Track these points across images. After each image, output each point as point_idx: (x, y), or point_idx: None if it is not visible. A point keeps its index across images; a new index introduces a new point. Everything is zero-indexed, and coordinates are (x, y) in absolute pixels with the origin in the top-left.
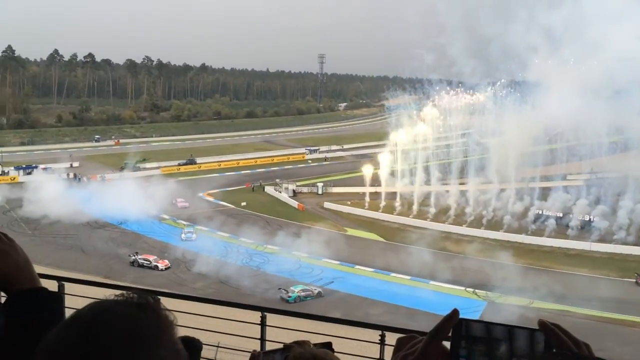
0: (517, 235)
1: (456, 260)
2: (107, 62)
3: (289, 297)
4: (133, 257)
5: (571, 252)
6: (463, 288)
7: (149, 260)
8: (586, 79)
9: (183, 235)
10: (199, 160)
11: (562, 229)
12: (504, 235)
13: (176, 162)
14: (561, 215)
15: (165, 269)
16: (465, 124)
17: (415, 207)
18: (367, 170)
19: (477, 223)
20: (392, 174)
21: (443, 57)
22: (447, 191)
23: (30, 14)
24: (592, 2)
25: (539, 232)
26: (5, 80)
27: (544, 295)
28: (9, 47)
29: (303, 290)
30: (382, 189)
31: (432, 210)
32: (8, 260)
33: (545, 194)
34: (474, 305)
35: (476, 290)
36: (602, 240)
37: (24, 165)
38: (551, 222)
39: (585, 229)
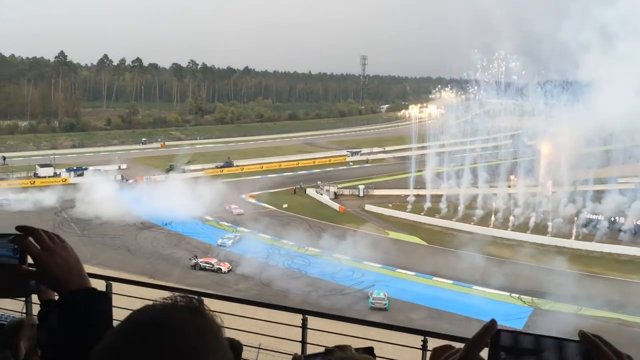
0: (566, 239)
1: (499, 265)
2: (154, 66)
3: (384, 305)
4: (194, 261)
5: (623, 258)
6: (508, 294)
7: (211, 263)
8: None
9: (219, 241)
10: (241, 162)
11: (614, 233)
12: (551, 239)
13: (221, 163)
14: (613, 219)
15: (228, 271)
16: (514, 125)
17: (459, 210)
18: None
19: (524, 227)
20: (438, 175)
21: (490, 56)
22: (495, 194)
23: (81, 20)
24: None
25: (589, 237)
26: (57, 85)
27: (592, 303)
28: (61, 52)
29: (384, 294)
30: (426, 192)
31: (478, 213)
32: (60, 261)
33: (598, 197)
34: (519, 312)
35: (522, 296)
36: None
37: (74, 167)
38: (602, 227)
39: (638, 234)
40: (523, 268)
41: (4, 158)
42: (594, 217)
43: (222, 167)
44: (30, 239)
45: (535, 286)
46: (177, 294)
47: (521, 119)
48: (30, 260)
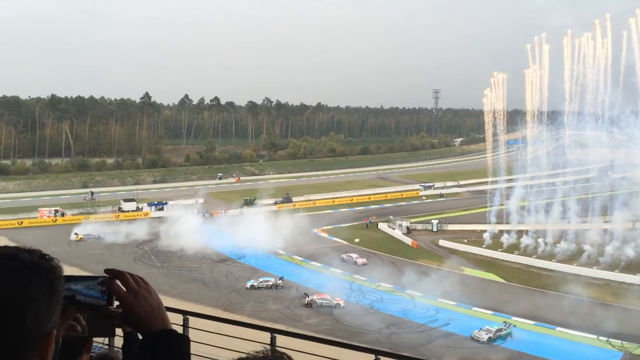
0: None
1: (581, 305)
2: (230, 104)
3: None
4: (308, 299)
5: None
6: (596, 336)
7: (329, 299)
8: None
9: (248, 284)
10: (313, 197)
11: None
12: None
13: (280, 199)
14: None
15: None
16: (606, 157)
17: (541, 246)
18: None
19: (614, 265)
20: (521, 209)
21: (574, 87)
22: (585, 229)
23: (166, 66)
24: None
25: None
26: (142, 124)
27: None
28: (146, 94)
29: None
30: (505, 227)
31: (563, 249)
32: (144, 304)
33: None
34: (609, 356)
35: (610, 340)
36: None
37: (155, 202)
38: None
39: None
40: (605, 308)
41: (92, 193)
42: None
43: (281, 202)
44: (118, 282)
45: (621, 328)
46: (267, 347)
47: (614, 150)
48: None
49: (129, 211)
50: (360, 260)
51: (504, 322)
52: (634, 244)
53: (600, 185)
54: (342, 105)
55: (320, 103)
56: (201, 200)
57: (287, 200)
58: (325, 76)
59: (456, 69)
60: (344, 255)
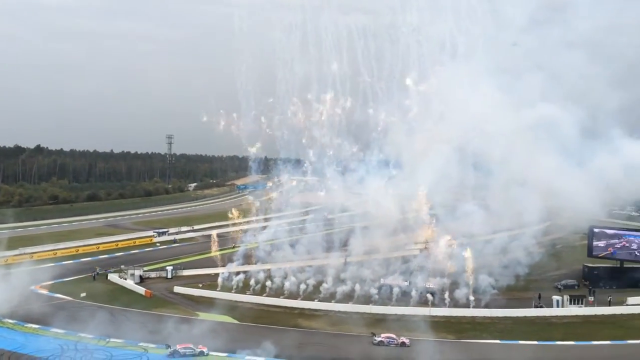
0: (365, 305)
1: (316, 337)
2: None
3: None
4: (377, 338)
5: (415, 318)
6: None
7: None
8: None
9: None
10: (30, 249)
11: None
12: (353, 307)
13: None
14: (406, 283)
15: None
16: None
17: (271, 285)
18: None
19: (330, 297)
20: (249, 251)
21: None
22: (310, 266)
23: None
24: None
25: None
26: None
27: None
28: None
29: None
30: (237, 268)
31: (289, 286)
32: None
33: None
34: None
35: None
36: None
37: None
38: (395, 291)
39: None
40: (328, 337)
41: None
42: (394, 282)
43: None
44: None
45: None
46: None
47: (343, 194)
48: None
49: None
50: (406, 340)
51: None
52: (345, 279)
53: (318, 225)
54: (66, 148)
55: (39, 145)
56: None
57: None
58: (45, 117)
59: (188, 114)
60: (379, 338)
